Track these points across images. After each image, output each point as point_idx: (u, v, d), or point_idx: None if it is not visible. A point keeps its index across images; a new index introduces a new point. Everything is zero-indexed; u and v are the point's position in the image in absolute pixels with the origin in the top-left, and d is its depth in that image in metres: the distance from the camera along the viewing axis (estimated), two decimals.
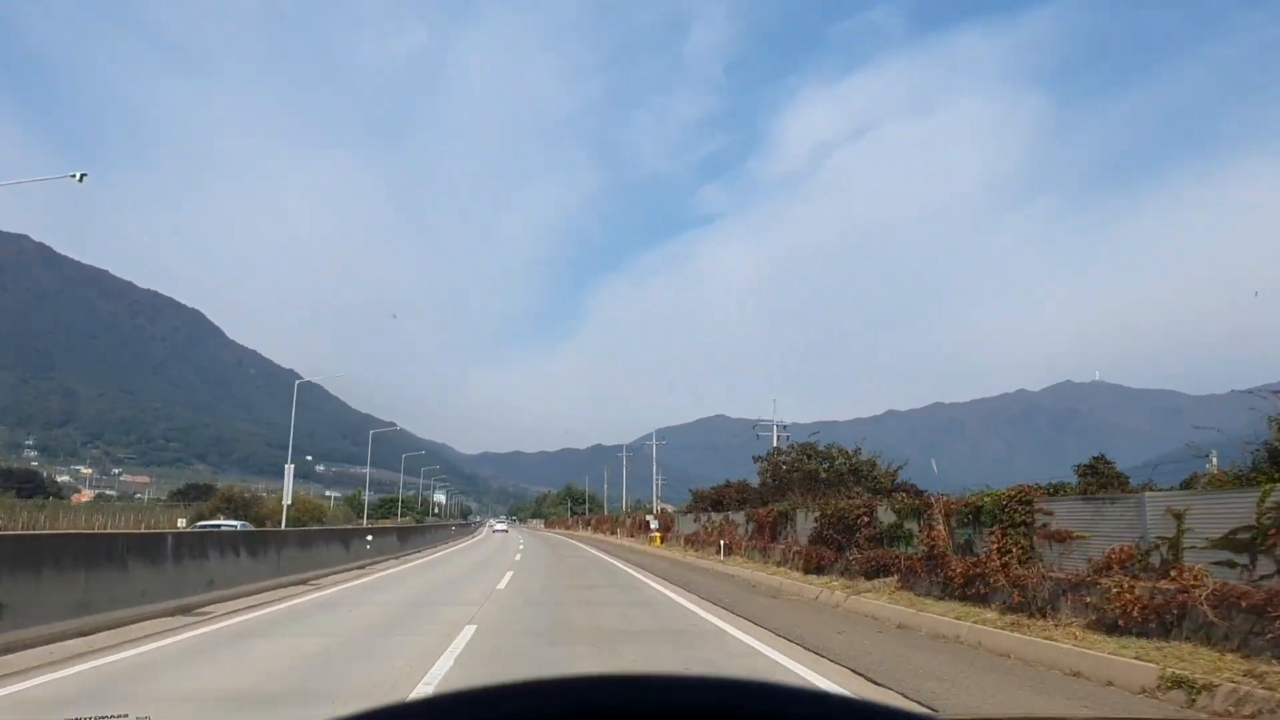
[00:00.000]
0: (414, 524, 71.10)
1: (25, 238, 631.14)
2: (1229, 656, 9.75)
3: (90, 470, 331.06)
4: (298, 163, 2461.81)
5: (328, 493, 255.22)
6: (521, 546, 53.62)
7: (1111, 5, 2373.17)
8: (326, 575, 26.12)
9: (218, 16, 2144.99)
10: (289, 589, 21.78)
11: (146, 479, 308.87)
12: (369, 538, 33.47)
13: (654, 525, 56.33)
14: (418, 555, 41.12)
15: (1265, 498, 10.41)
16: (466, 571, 29.98)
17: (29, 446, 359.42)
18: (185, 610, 16.33)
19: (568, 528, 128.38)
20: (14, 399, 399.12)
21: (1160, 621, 11.02)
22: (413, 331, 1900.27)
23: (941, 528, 17.21)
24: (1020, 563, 14.24)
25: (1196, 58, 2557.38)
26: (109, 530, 42.41)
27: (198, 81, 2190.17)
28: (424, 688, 9.34)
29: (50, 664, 10.77)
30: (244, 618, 15.91)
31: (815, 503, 26.54)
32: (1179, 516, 11.63)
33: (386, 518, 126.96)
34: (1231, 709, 8.46)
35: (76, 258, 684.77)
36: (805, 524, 26.42)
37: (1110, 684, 10.01)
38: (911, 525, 19.12)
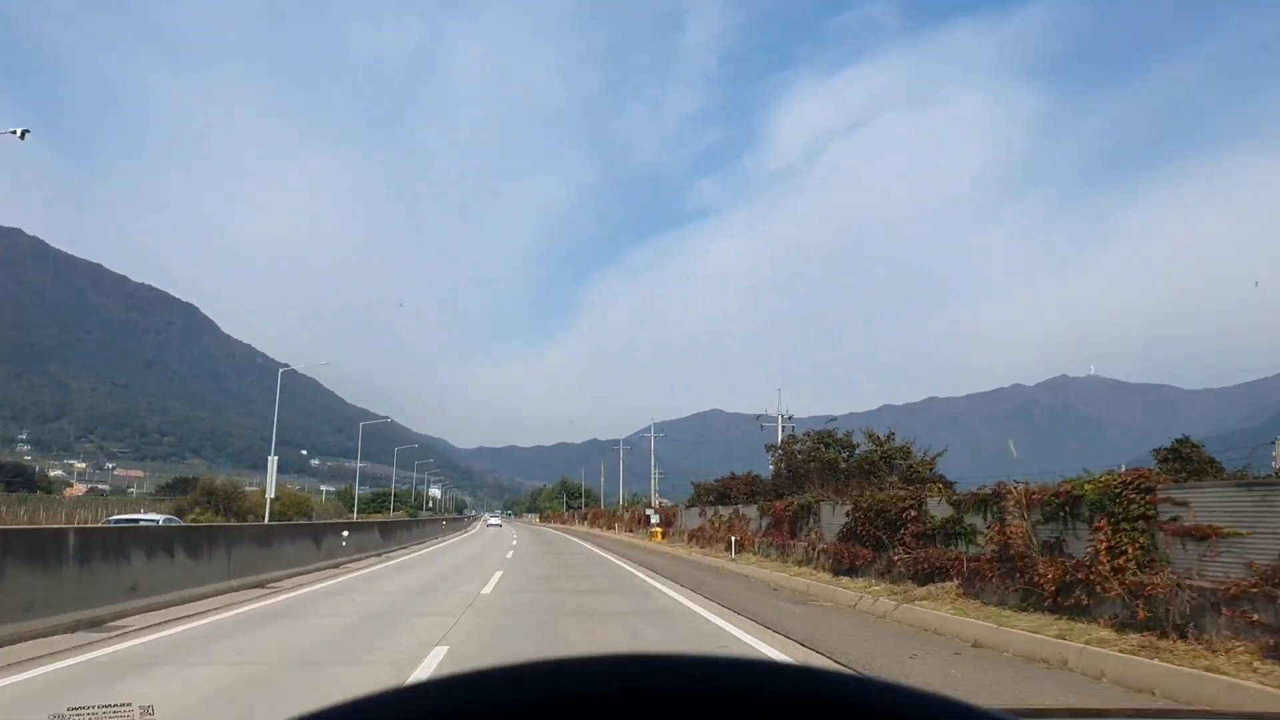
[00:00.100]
0: (400, 518, 67.64)
1: (19, 232, 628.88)
2: None
3: (84, 465, 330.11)
4: (293, 157, 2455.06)
5: (322, 487, 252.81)
6: (514, 542, 50.51)
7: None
8: (292, 576, 23.07)
9: (213, 10, 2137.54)
10: (242, 593, 18.75)
11: (140, 473, 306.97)
12: (345, 533, 30.38)
13: (655, 520, 53.13)
14: (402, 552, 38.04)
15: None
16: (451, 571, 26.91)
17: (22, 441, 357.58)
18: (94, 624, 13.27)
19: (563, 522, 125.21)
20: (7, 393, 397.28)
21: None
22: (408, 326, 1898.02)
23: (1019, 522, 14.15)
24: (1140, 567, 11.20)
25: (1191, 52, 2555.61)
26: None
27: (193, 75, 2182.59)
28: None
29: None
30: (163, 634, 12.85)
31: (844, 494, 23.56)
32: None
33: (379, 512, 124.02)
34: None
35: (70, 252, 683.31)
36: (832, 518, 23.40)
37: None
38: (974, 520, 16.08)
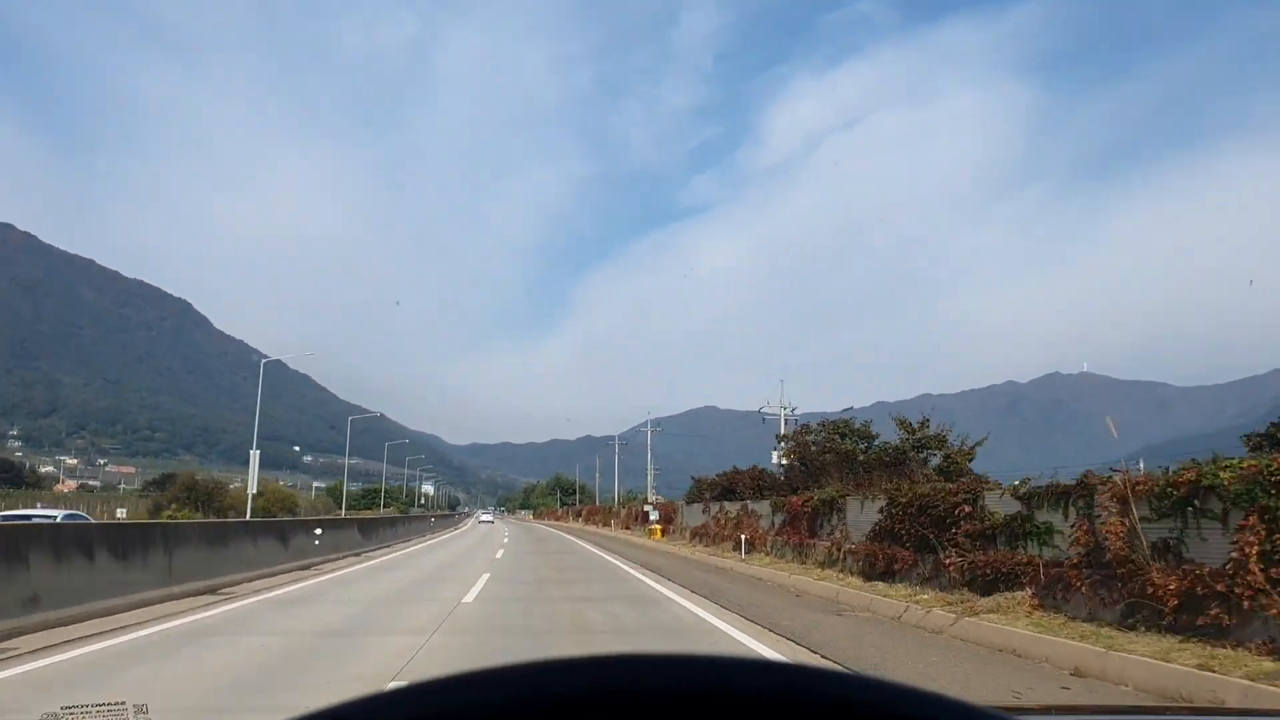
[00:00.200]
0: (385, 515, 64.80)
1: (10, 227, 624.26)
2: None
3: (75, 461, 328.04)
4: (287, 152, 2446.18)
5: (315, 483, 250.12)
6: (506, 540, 47.80)
7: None
8: (251, 580, 20.44)
9: (207, 4, 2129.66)
10: (185, 602, 16.14)
11: (132, 469, 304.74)
12: (318, 531, 27.70)
13: (654, 516, 50.37)
14: (384, 551, 35.36)
15: None
16: (433, 573, 24.23)
17: (13, 437, 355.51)
18: None
19: (557, 519, 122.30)
20: None
21: None
22: (403, 322, 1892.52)
23: (1117, 520, 11.53)
24: None
25: (1184, 50, 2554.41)
26: None
27: (186, 70, 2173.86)
28: None
29: None
30: (58, 658, 10.26)
31: (871, 488, 20.99)
32: None
33: (369, 509, 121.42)
34: None
35: (62, 247, 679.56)
36: (860, 515, 20.80)
37: None
38: (1050, 517, 13.45)
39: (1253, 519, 9.25)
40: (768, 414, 63.23)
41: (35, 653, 10.59)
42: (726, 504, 35.26)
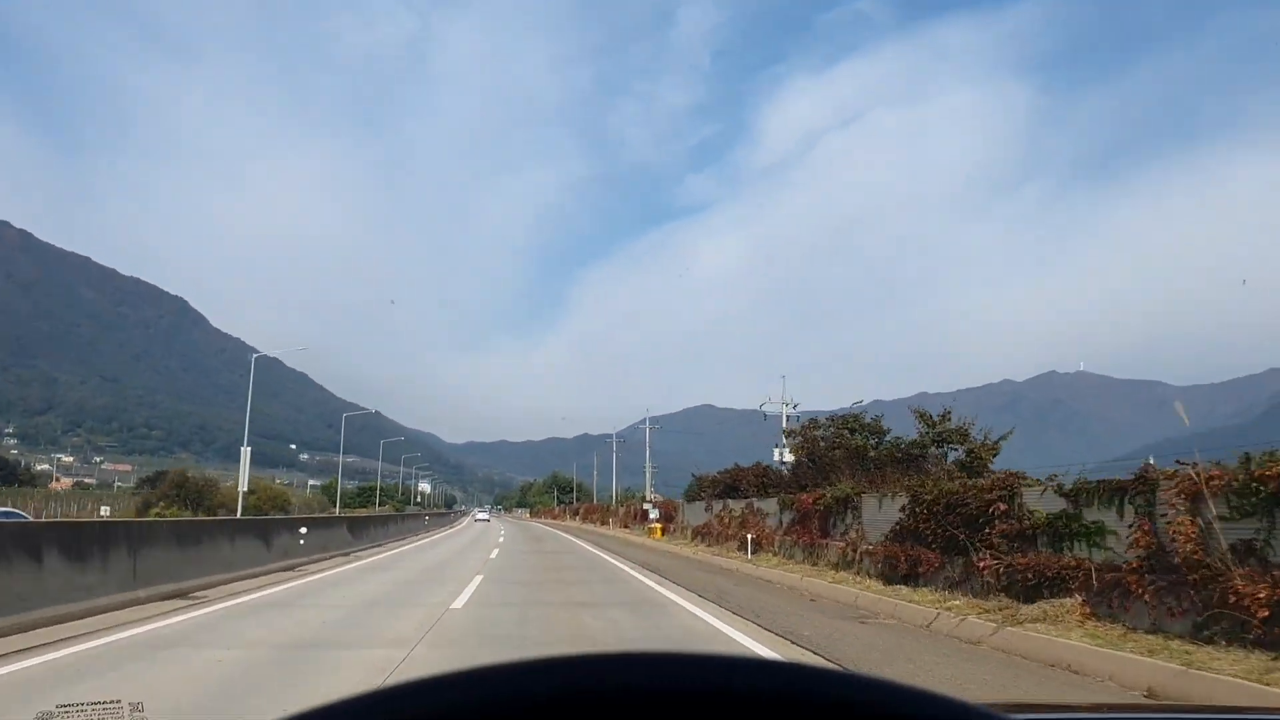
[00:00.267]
0: (376, 514, 63.23)
1: (6, 224, 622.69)
2: None
3: (71, 459, 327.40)
4: (284, 151, 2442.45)
5: (311, 481, 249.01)
6: (501, 540, 46.50)
7: None
8: (229, 582, 19.13)
9: (205, 1, 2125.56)
10: (151, 607, 14.82)
11: (128, 467, 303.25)
12: (303, 530, 26.35)
13: (653, 515, 49.10)
14: (374, 551, 34.01)
15: None
16: (423, 575, 22.89)
17: (9, 434, 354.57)
18: None
19: (554, 517, 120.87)
20: None
21: None
22: (399, 321, 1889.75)
23: (1186, 519, 10.22)
24: None
25: (1181, 48, 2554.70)
26: None
27: (182, 67, 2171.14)
28: None
29: None
30: None
31: (886, 485, 19.71)
32: None
33: (364, 507, 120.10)
34: None
35: (58, 244, 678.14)
36: (879, 514, 19.50)
37: None
38: (1101, 515, 12.15)
39: None
40: (769, 411, 61.99)
41: None
42: (730, 502, 33.96)
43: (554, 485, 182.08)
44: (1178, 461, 10.84)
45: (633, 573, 23.85)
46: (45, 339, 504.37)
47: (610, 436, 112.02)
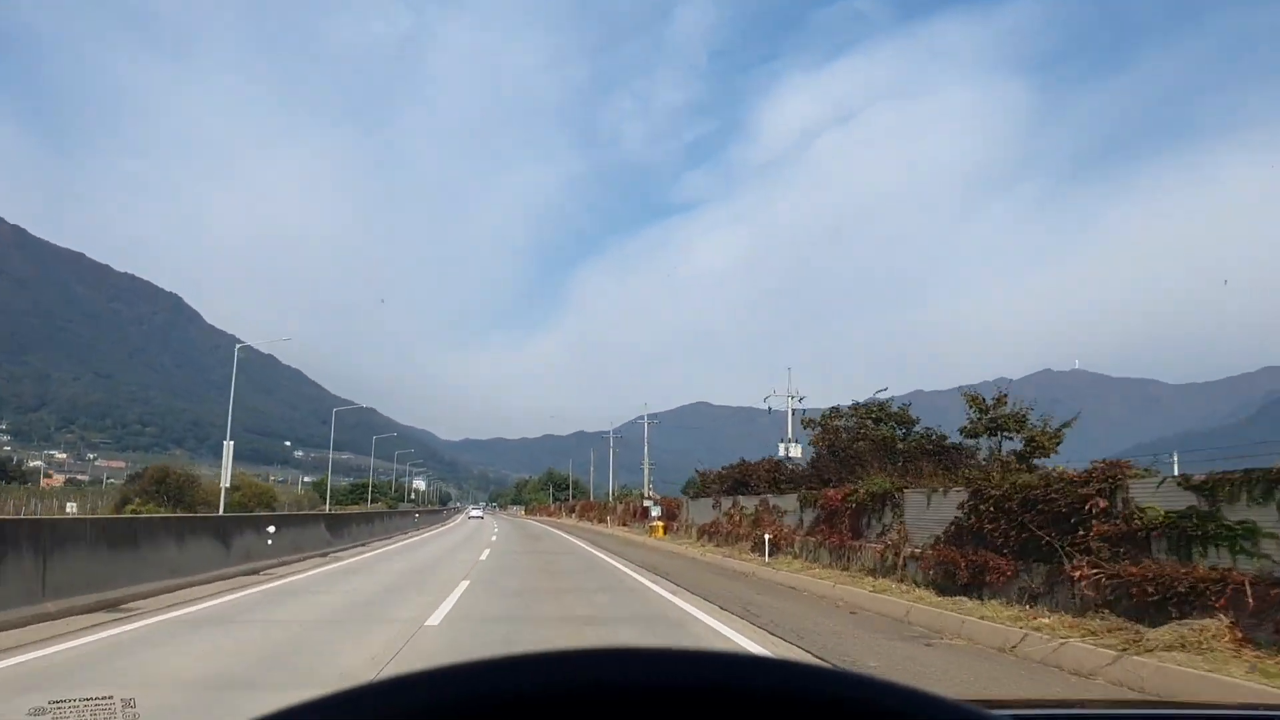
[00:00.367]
0: (359, 511, 60.07)
1: None
2: None
3: (65, 455, 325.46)
4: (279, 147, 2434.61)
5: (305, 478, 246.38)
6: (493, 539, 43.82)
7: None
8: (174, 590, 16.50)
9: None
10: (64, 622, 12.24)
11: (122, 464, 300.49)
12: (270, 529, 23.66)
13: (655, 512, 46.29)
14: (356, 550, 31.35)
15: None
16: (401, 580, 20.17)
17: (2, 431, 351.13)
18: None
19: (550, 514, 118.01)
20: None
21: None
22: (395, 317, 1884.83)
23: None
24: None
25: (1177, 47, 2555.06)
26: None
27: (177, 62, 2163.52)
28: None
29: None
30: None
31: (940, 478, 17.13)
32: None
33: (356, 504, 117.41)
34: None
35: (52, 240, 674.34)
36: (926, 512, 16.89)
37: None
38: (1254, 514, 9.54)
39: None
40: (774, 405, 59.50)
41: None
42: (741, 499, 31.31)
43: (550, 482, 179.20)
44: None
45: (639, 578, 21.22)
46: (39, 335, 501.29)
47: (606, 433, 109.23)
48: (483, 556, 28.71)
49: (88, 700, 5.38)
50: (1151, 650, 9.15)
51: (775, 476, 32.67)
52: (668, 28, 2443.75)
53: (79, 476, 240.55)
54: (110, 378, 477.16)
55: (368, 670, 9.06)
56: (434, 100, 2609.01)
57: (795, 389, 59.23)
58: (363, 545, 34.72)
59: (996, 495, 13.89)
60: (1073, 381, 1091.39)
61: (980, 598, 13.85)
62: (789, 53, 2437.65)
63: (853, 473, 24.14)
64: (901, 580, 16.59)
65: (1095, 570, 11.15)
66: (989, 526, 13.90)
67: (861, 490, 19.69)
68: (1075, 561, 11.54)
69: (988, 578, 13.66)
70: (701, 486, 42.99)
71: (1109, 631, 10.09)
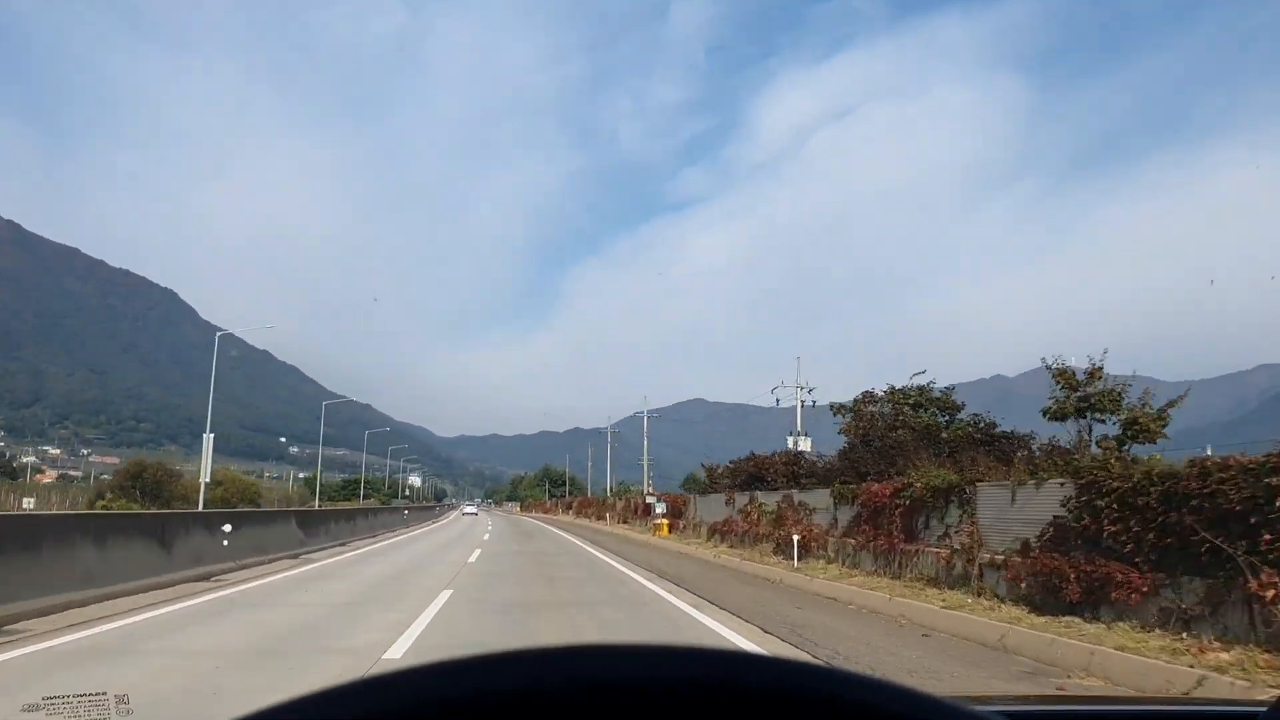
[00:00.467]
0: (341, 508, 56.58)
1: None
2: None
3: (58, 451, 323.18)
4: (274, 142, 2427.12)
5: (300, 475, 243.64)
6: (487, 536, 40.78)
7: None
8: (85, 604, 13.43)
9: None
10: None
11: (116, 460, 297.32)
12: (226, 528, 20.51)
13: (660, 509, 43.23)
14: (335, 550, 28.23)
15: None
16: (372, 590, 17.01)
17: None
18: None
19: (546, 511, 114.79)
20: None
21: None
22: (392, 315, 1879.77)
23: None
24: None
25: (1173, 45, 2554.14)
26: None
27: (172, 58, 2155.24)
28: None
29: None
30: None
31: (1025, 469, 14.09)
32: None
33: (348, 500, 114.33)
34: None
35: (47, 236, 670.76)
36: (1010, 510, 13.84)
37: None
38: None
39: None
40: (782, 398, 56.66)
41: None
42: (760, 494, 28.26)
43: (545, 478, 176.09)
44: None
45: (652, 586, 18.15)
46: (33, 331, 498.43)
47: (602, 429, 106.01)
48: (472, 558, 25.66)
49: (81, 696, 5.40)
50: None
51: (794, 471, 29.59)
52: (664, 24, 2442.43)
53: (72, 472, 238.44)
54: (105, 373, 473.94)
55: None
56: (430, 97, 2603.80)
57: (805, 380, 56.50)
58: (342, 545, 31.65)
59: (1122, 488, 10.83)
60: None
61: (1094, 617, 10.84)
62: (786, 49, 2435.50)
63: (893, 464, 21.12)
64: (978, 594, 13.55)
65: None
66: (1111, 528, 10.86)
67: (918, 484, 16.59)
68: (1265, 575, 8.50)
69: (1111, 593, 10.62)
70: (709, 482, 39.83)
71: None
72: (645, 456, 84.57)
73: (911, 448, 21.18)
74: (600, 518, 67.39)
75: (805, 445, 44.61)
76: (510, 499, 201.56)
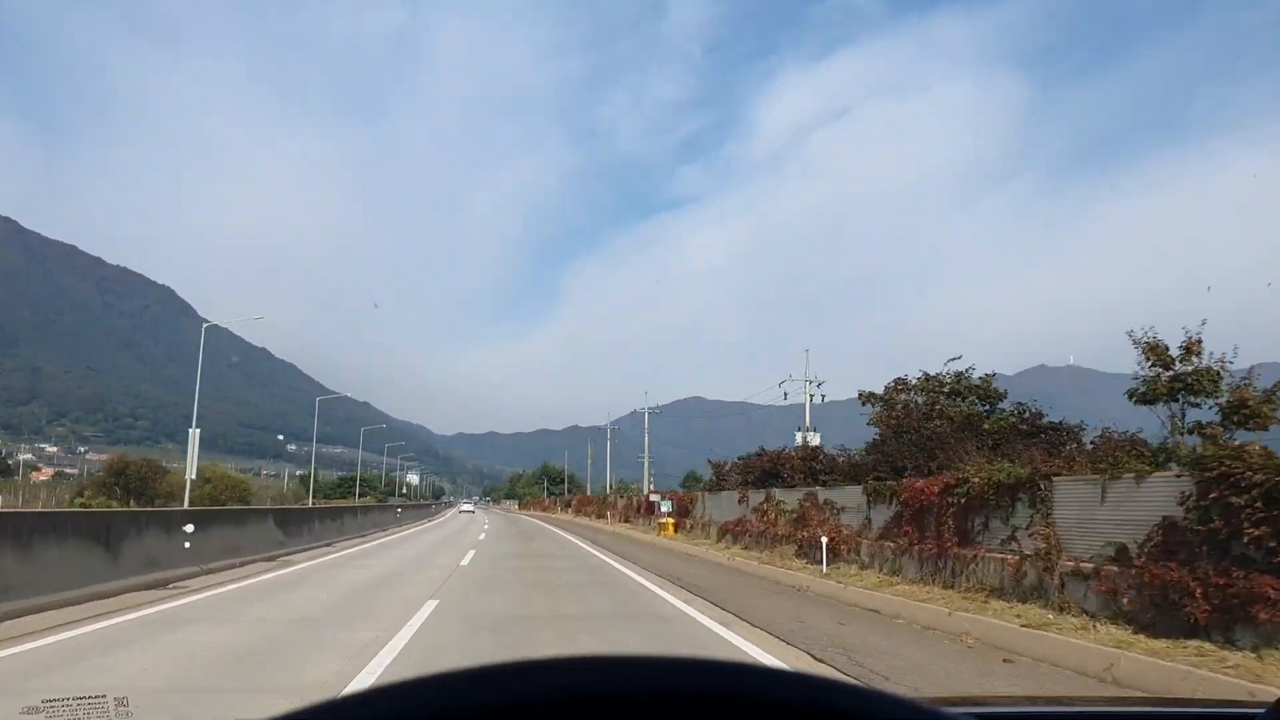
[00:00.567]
0: (328, 505, 54.18)
1: None
2: None
3: (55, 449, 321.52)
4: (272, 140, 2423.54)
5: (298, 472, 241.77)
6: (482, 536, 38.61)
7: None
8: (22, 615, 11.35)
9: None
10: None
11: (112, 458, 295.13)
12: (188, 528, 18.33)
13: (665, 508, 41.00)
14: (319, 551, 26.04)
15: None
16: (347, 600, 14.80)
17: None
18: None
19: (544, 509, 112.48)
20: None
21: None
22: (390, 312, 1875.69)
23: None
24: None
25: (1171, 42, 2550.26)
26: None
27: (169, 55, 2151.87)
28: None
29: None
30: None
31: (1080, 465, 11.97)
32: None
33: (343, 498, 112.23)
34: None
35: (44, 233, 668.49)
36: (1099, 510, 11.65)
37: None
38: None
39: None
40: (789, 392, 54.84)
41: None
42: (778, 491, 26.09)
43: (544, 476, 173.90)
44: None
45: (667, 596, 15.98)
46: (30, 328, 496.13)
47: (601, 427, 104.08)
48: (464, 561, 23.49)
49: (81, 699, 5.46)
50: None
51: (812, 467, 27.40)
52: (662, 22, 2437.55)
53: (69, 470, 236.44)
54: (102, 371, 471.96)
55: None
56: (428, 94, 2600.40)
57: (814, 374, 54.65)
58: (327, 545, 29.48)
59: (1269, 482, 8.65)
60: (1067, 377, 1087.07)
61: (1233, 643, 8.69)
62: (785, 47, 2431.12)
63: (932, 458, 18.97)
64: (1060, 609, 11.39)
65: None
66: (1254, 532, 8.69)
67: (975, 479, 14.39)
68: None
69: (1258, 613, 8.44)
70: (716, 479, 37.63)
71: None
72: (646, 453, 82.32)
73: (952, 439, 19.03)
74: (600, 516, 65.18)
75: (815, 440, 42.62)
76: (508, 497, 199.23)
